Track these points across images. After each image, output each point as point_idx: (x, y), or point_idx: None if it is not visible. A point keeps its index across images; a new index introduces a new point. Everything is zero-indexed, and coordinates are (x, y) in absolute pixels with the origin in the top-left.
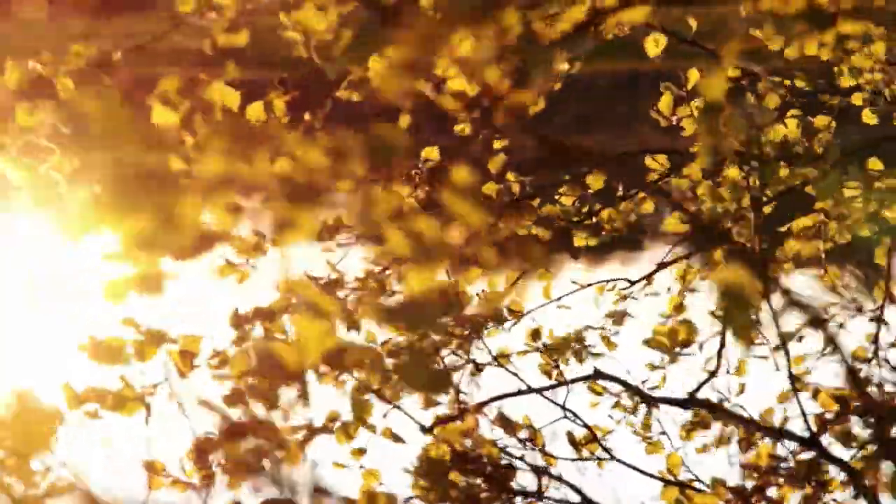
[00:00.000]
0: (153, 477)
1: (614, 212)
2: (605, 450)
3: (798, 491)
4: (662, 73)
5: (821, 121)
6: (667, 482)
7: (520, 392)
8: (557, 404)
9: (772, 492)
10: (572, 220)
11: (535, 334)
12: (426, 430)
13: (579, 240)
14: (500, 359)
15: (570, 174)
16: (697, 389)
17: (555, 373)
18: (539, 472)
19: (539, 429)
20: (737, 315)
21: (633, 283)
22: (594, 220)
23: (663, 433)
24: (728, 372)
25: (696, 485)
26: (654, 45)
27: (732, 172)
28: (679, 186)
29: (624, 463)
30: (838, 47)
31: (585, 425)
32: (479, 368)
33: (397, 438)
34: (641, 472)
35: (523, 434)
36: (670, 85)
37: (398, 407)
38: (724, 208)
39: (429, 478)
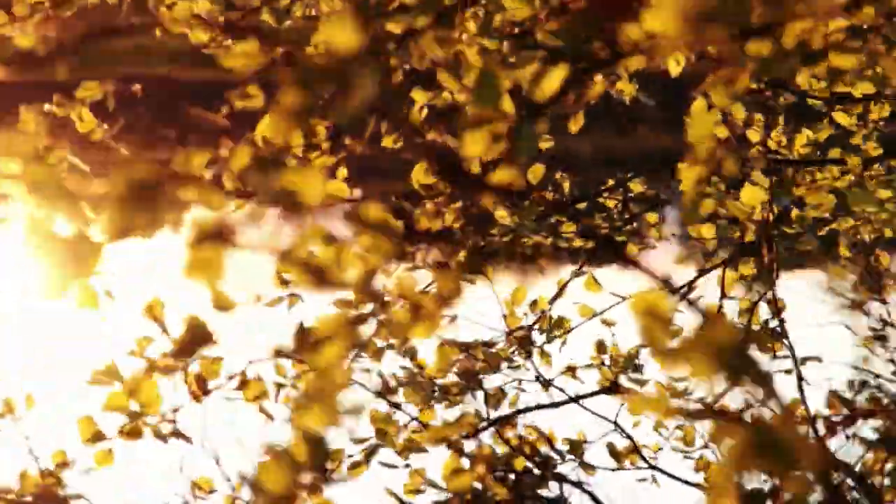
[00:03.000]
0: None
1: (656, 216)
2: (645, 460)
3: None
4: (661, 73)
5: (875, 109)
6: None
7: (541, 406)
8: (606, 418)
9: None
10: (615, 226)
11: (601, 347)
12: (452, 445)
13: (631, 247)
14: (567, 373)
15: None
16: (717, 400)
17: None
18: (560, 479)
19: (585, 441)
20: (656, 336)
21: (675, 290)
22: (635, 224)
23: (706, 446)
24: None
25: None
26: (675, 64)
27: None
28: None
29: (665, 473)
30: (831, 79)
31: (628, 436)
32: (545, 384)
33: (420, 450)
34: (682, 481)
35: (563, 446)
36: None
37: (417, 419)
38: (744, 216)
39: (455, 486)
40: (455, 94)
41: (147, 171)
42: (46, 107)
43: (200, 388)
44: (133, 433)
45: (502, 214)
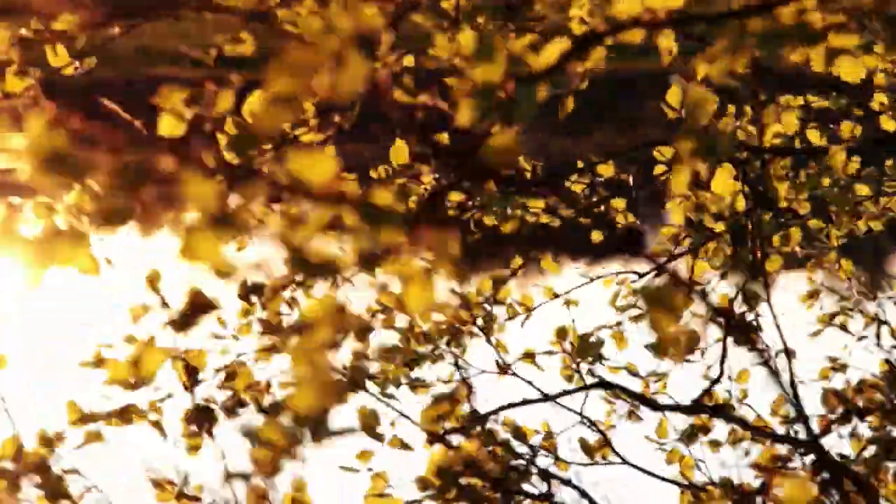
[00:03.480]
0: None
1: (623, 202)
2: (618, 454)
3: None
4: (662, 73)
5: (846, 127)
6: (681, 485)
7: (527, 401)
8: (574, 411)
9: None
10: (581, 209)
11: (562, 333)
12: (434, 440)
13: (596, 234)
14: (524, 359)
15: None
16: (702, 396)
17: (575, 376)
18: (547, 476)
19: (553, 434)
20: (663, 327)
21: (642, 275)
22: (603, 208)
23: (679, 440)
24: (730, 379)
25: (710, 488)
26: (668, 54)
27: (724, 174)
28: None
29: (637, 467)
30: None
31: (599, 430)
32: (504, 370)
33: (405, 446)
34: (656, 476)
35: (535, 440)
36: (679, 77)
37: (407, 416)
38: (719, 208)
39: (437, 484)
40: (448, 60)
41: (139, 157)
42: (23, 31)
43: (190, 379)
44: (122, 418)
45: (455, 197)
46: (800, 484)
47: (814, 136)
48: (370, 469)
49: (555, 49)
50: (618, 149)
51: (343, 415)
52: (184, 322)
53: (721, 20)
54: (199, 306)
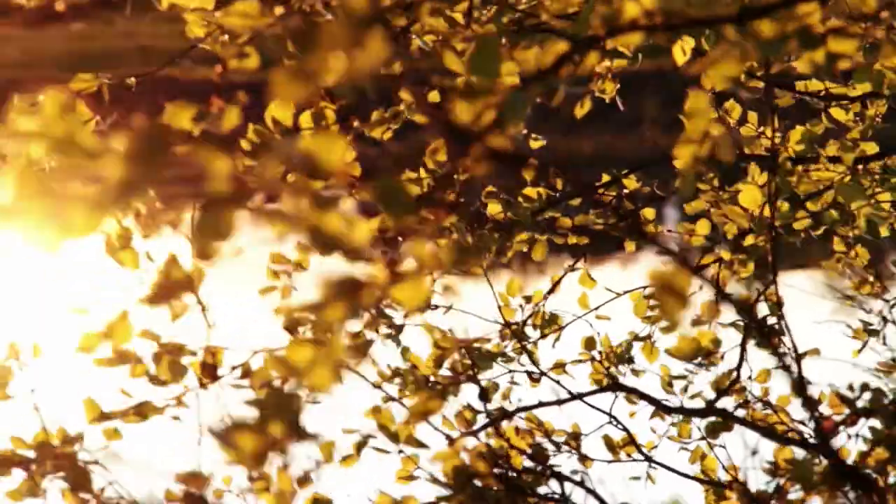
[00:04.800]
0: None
1: (653, 212)
2: (642, 452)
3: (815, 496)
4: (662, 72)
5: (879, 107)
6: (705, 482)
7: (542, 404)
8: (602, 410)
9: (793, 495)
10: (609, 223)
11: (590, 343)
12: (452, 442)
13: (629, 245)
14: (555, 369)
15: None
16: (716, 399)
17: (606, 381)
18: (561, 477)
19: (581, 434)
20: (669, 305)
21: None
22: (630, 220)
23: (703, 439)
24: (750, 378)
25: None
26: (682, 52)
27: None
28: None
29: (662, 465)
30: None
31: (625, 429)
32: (534, 379)
33: (421, 445)
34: (680, 473)
35: (559, 438)
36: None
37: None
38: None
39: (453, 486)
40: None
41: (158, 129)
42: (41, 98)
43: (208, 376)
44: (138, 415)
45: (496, 209)
46: None
47: (839, 115)
48: (401, 451)
49: (551, 52)
50: (642, 161)
51: (354, 414)
52: (157, 297)
53: (721, 24)
54: (175, 282)
